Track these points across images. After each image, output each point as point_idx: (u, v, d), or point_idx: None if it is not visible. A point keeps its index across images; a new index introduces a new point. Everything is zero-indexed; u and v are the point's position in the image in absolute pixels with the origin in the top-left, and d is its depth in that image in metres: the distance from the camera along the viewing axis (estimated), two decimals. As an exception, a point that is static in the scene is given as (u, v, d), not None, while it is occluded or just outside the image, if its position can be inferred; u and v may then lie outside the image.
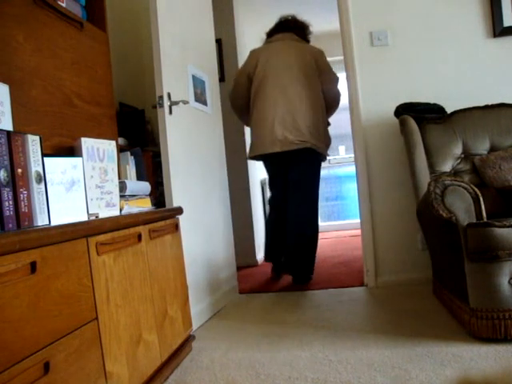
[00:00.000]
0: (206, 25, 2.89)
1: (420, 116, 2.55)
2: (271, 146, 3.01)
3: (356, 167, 2.91)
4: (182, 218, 2.08)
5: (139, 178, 2.37)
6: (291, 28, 3.24)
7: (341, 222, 6.04)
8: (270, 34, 3.31)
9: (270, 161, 3.21)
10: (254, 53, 3.24)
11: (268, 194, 4.70)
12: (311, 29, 3.34)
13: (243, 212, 3.99)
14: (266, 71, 3.08)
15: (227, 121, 3.33)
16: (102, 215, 1.57)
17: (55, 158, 1.42)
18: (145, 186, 2.08)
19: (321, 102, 3.11)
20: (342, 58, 2.99)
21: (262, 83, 3.08)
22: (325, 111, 3.16)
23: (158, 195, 2.57)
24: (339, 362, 1.71)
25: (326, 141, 3.18)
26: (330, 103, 3.21)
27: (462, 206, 1.77)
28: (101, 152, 1.65)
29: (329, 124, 3.30)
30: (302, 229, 3.07)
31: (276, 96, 3.03)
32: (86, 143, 1.58)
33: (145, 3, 2.51)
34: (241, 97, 3.27)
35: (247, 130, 4.13)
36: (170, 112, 2.25)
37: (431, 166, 2.45)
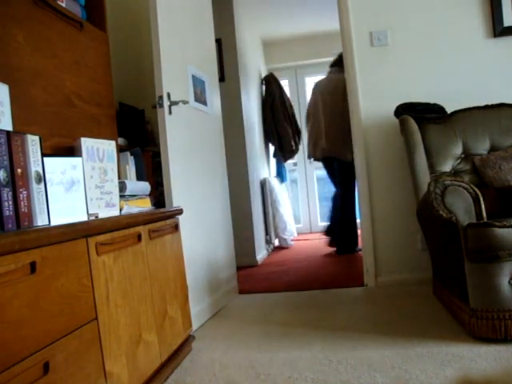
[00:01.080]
0: (206, 25, 2.89)
1: (420, 116, 2.55)
2: (316, 153, 4.20)
3: (356, 167, 2.92)
4: (181, 218, 2.08)
5: (139, 178, 2.37)
6: (338, 63, 4.09)
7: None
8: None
9: (322, 163, 4.33)
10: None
11: (268, 194, 4.73)
12: None
13: (243, 212, 3.98)
14: (315, 99, 4.22)
15: (227, 121, 3.33)
16: (101, 215, 1.57)
17: (55, 158, 1.42)
18: (145, 186, 2.08)
19: (345, 121, 3.84)
20: (341, 57, 2.99)
21: (314, 108, 4.24)
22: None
23: (158, 195, 2.57)
24: (339, 362, 1.71)
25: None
26: None
27: (462, 206, 1.77)
28: (100, 152, 1.65)
29: None
30: (338, 214, 4.17)
31: (318, 118, 4.15)
32: (86, 143, 1.58)
33: (145, 3, 2.51)
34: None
35: (247, 131, 4.14)
36: (170, 112, 2.25)
37: (431, 166, 2.45)
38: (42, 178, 1.24)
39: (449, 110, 2.60)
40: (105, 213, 1.61)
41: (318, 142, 4.15)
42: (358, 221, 3.57)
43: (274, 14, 4.84)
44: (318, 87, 4.23)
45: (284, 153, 5.14)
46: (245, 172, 4.05)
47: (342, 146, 3.93)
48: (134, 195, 1.96)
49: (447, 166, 2.46)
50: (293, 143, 5.08)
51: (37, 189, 1.21)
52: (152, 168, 2.80)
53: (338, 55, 4.09)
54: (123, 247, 1.48)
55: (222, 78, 3.88)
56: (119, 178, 1.87)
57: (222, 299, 2.69)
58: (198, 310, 2.34)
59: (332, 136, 4.00)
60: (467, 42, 2.78)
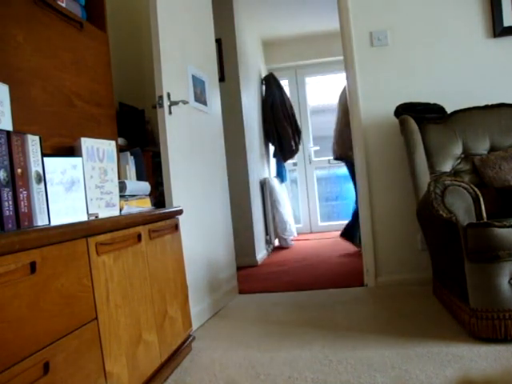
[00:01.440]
0: (206, 25, 2.89)
1: (420, 116, 2.55)
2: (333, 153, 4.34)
3: (356, 167, 2.91)
4: (181, 218, 2.08)
5: (139, 178, 2.37)
6: None
7: (341, 222, 6.01)
8: None
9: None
10: None
11: (268, 194, 4.74)
12: None
13: (243, 212, 3.98)
14: (338, 102, 4.23)
15: (227, 121, 3.33)
16: (101, 215, 1.57)
17: (55, 158, 1.42)
18: (145, 186, 2.08)
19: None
20: (341, 58, 3.00)
21: (337, 111, 4.29)
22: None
23: (158, 195, 2.57)
24: (339, 362, 1.71)
25: None
26: None
27: (462, 206, 1.77)
28: (100, 152, 1.65)
29: None
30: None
31: (336, 121, 4.22)
32: (86, 143, 1.58)
33: (145, 3, 2.51)
34: None
35: (247, 131, 4.14)
36: (170, 112, 2.25)
37: (431, 166, 2.45)
38: (42, 178, 1.24)
39: (449, 110, 2.60)
40: (105, 213, 1.61)
41: (333, 144, 4.30)
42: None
43: (274, 14, 4.85)
44: (341, 92, 4.33)
45: (284, 153, 5.14)
46: (245, 172, 4.05)
47: (347, 148, 3.98)
48: (134, 195, 1.96)
49: (447, 166, 2.46)
50: (293, 143, 5.08)
51: (37, 189, 1.21)
52: (152, 168, 2.80)
53: None
54: (123, 247, 1.48)
55: (222, 78, 3.88)
56: (119, 178, 1.87)
57: (222, 299, 2.69)
58: (198, 310, 2.35)
59: (341, 139, 4.08)
60: (467, 42, 2.78)
